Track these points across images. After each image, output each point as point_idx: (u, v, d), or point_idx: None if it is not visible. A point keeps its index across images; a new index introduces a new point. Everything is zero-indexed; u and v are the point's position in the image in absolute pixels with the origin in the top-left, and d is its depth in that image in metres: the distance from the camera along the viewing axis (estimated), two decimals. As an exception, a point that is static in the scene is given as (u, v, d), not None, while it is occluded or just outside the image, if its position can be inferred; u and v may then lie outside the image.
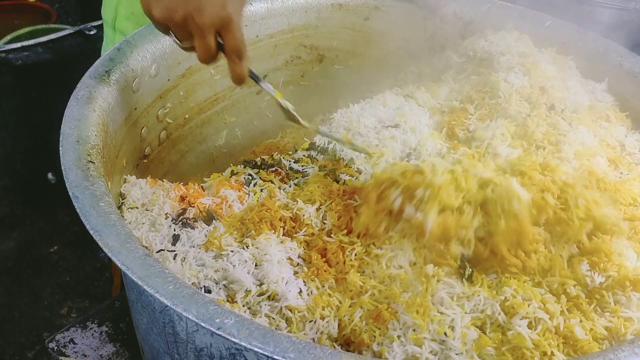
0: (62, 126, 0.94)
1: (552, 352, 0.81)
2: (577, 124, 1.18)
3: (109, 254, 0.74)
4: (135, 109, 1.20)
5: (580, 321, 0.84)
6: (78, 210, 0.79)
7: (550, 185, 0.94)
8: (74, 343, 1.32)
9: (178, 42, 0.98)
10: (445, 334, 0.86)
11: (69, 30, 2.80)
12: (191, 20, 0.91)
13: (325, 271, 0.94)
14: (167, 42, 1.29)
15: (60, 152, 0.89)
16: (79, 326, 1.35)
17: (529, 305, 0.84)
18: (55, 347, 1.31)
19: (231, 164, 1.29)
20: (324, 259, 0.96)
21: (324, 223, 1.03)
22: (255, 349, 0.67)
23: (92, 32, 2.66)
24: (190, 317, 0.69)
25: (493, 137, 1.15)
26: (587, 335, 0.83)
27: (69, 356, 1.30)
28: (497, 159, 1.10)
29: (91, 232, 0.76)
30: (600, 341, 0.84)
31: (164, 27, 0.96)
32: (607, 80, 1.34)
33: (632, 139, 1.20)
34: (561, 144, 1.12)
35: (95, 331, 1.35)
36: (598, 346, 0.83)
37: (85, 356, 1.30)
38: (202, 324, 0.68)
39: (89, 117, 0.98)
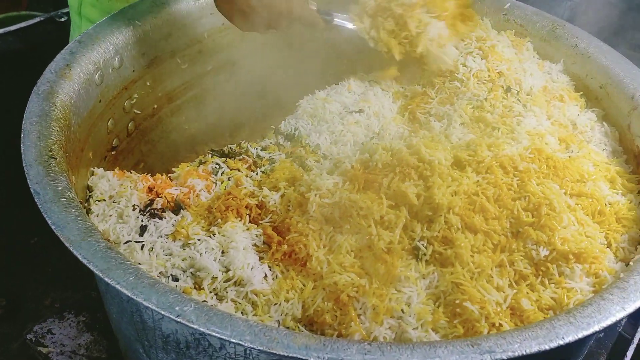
0: (23, 123, 0.96)
1: (500, 324, 0.86)
2: (532, 105, 1.22)
3: (70, 249, 0.76)
4: (100, 101, 1.21)
5: (527, 293, 0.89)
6: (39, 206, 0.81)
7: (492, 161, 0.98)
8: (52, 333, 1.36)
9: None
10: (402, 310, 0.90)
11: (40, 17, 2.76)
12: None
13: (278, 243, 0.98)
14: (130, 34, 1.30)
15: (22, 148, 0.91)
16: (56, 317, 1.39)
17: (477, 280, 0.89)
18: (34, 338, 1.34)
19: (199, 153, 1.32)
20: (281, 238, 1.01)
21: (288, 209, 1.06)
22: (213, 334, 0.70)
23: (63, 19, 2.63)
24: (150, 306, 0.72)
25: (451, 121, 1.19)
26: (533, 306, 0.88)
27: (47, 346, 1.34)
28: (453, 141, 1.14)
29: (52, 227, 0.79)
30: (545, 311, 0.89)
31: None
32: (562, 61, 1.38)
33: (584, 117, 1.25)
34: (515, 125, 1.16)
35: (72, 321, 1.38)
36: (543, 315, 0.88)
37: (63, 345, 1.34)
38: (162, 312, 0.71)
39: (50, 113, 1.00)
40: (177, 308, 0.71)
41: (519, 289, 0.90)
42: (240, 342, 0.69)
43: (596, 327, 0.76)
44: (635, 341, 1.31)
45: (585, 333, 0.75)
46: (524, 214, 0.96)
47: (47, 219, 0.79)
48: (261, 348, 0.69)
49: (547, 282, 0.92)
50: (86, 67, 1.16)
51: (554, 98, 1.26)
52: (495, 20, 1.44)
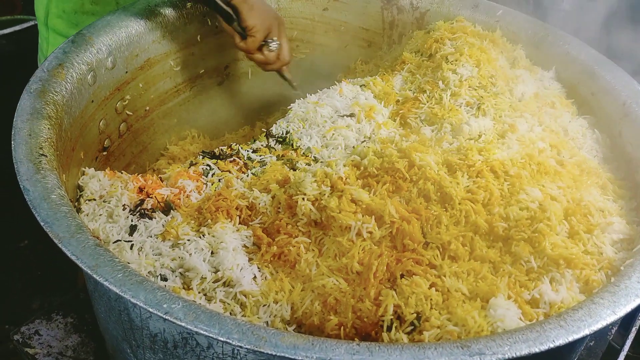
0: (14, 120, 0.95)
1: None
2: (523, 111, 1.22)
3: (59, 245, 0.76)
4: (92, 101, 1.20)
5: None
6: (29, 203, 0.81)
7: (483, 165, 0.99)
8: (39, 334, 1.34)
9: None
10: (390, 321, 0.89)
11: (34, 21, 2.75)
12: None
13: (267, 244, 0.98)
14: (123, 35, 1.30)
15: (12, 145, 0.90)
16: (44, 318, 1.37)
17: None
18: (20, 339, 1.32)
19: (190, 155, 1.31)
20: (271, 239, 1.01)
21: (278, 210, 1.06)
22: (201, 332, 0.70)
23: (56, 24, 2.63)
24: (138, 303, 0.71)
25: (441, 127, 1.20)
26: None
27: (34, 347, 1.32)
28: (443, 146, 1.14)
29: (42, 223, 0.78)
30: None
31: (267, 31, 1.42)
32: (554, 68, 1.39)
33: (575, 124, 1.25)
34: (506, 132, 1.16)
35: (60, 322, 1.37)
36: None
37: (50, 347, 1.32)
38: (150, 309, 0.71)
39: (41, 111, 0.99)
40: (165, 305, 0.71)
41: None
42: (228, 341, 0.69)
43: (587, 331, 0.76)
44: (625, 350, 1.32)
45: (576, 336, 0.75)
46: (516, 222, 0.96)
47: (36, 215, 0.79)
48: (249, 347, 0.68)
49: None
50: (79, 67, 1.15)
51: (545, 105, 1.27)
52: (488, 27, 1.45)
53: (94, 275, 0.73)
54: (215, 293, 0.94)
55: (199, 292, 0.94)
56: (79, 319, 1.36)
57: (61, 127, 1.03)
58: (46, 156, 0.91)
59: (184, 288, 0.95)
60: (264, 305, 0.93)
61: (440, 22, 1.48)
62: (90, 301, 1.36)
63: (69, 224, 0.80)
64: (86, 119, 1.18)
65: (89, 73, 1.18)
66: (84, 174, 1.13)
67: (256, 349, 0.69)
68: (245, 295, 0.94)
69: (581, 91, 1.34)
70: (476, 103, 1.24)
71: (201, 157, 1.25)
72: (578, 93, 1.35)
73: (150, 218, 1.05)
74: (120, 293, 0.72)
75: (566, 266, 0.93)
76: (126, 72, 1.33)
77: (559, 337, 0.74)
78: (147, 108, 1.45)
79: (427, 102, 1.28)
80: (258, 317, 0.92)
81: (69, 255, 0.75)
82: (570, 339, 0.74)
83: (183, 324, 0.70)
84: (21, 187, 0.84)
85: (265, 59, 1.43)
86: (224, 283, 0.95)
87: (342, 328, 0.89)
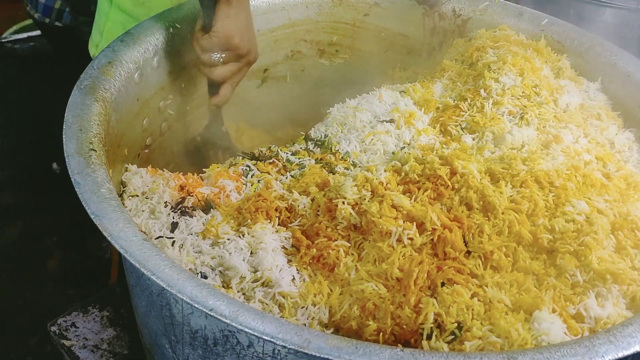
0: (65, 115, 0.98)
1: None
2: (567, 122, 1.20)
3: (109, 238, 0.77)
4: (137, 100, 1.23)
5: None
6: (79, 196, 0.82)
7: (527, 175, 0.97)
8: (76, 327, 1.37)
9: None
10: (430, 329, 0.88)
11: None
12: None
13: (307, 246, 0.98)
14: (170, 36, 1.32)
15: (63, 139, 0.92)
16: (81, 311, 1.40)
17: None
18: (57, 331, 1.35)
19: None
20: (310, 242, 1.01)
21: (317, 213, 1.06)
22: (246, 330, 0.70)
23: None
24: (184, 298, 0.72)
25: (483, 135, 1.18)
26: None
27: (70, 339, 1.35)
28: (485, 155, 1.13)
29: (92, 216, 0.80)
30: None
31: (225, 46, 1.25)
32: (600, 79, 1.37)
33: (622, 137, 1.23)
34: (550, 142, 1.14)
35: (96, 316, 1.39)
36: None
37: (86, 339, 1.35)
38: (196, 305, 0.71)
39: (91, 107, 1.02)
40: (210, 302, 0.71)
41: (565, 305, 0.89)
42: (273, 340, 0.69)
43: (637, 347, 0.74)
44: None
45: (626, 352, 0.73)
46: (562, 235, 0.95)
47: (86, 208, 0.80)
48: (293, 347, 0.68)
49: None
50: (127, 65, 1.18)
51: (590, 116, 1.25)
52: (532, 36, 1.43)
53: (142, 269, 0.74)
54: (254, 293, 0.94)
55: (238, 292, 0.95)
56: (115, 313, 1.39)
57: (109, 123, 1.06)
58: (96, 151, 0.93)
59: (223, 287, 0.96)
60: (302, 307, 0.93)
61: (482, 30, 1.47)
62: (127, 295, 1.39)
63: (117, 217, 0.81)
64: (131, 116, 1.21)
65: (136, 72, 1.21)
66: (127, 170, 1.15)
67: (300, 349, 0.69)
68: (283, 297, 0.94)
69: (627, 103, 1.32)
70: (519, 112, 1.23)
71: (240, 157, 1.26)
72: (624, 105, 1.32)
73: (191, 216, 1.06)
74: (167, 288, 0.73)
75: (613, 281, 0.91)
76: (170, 72, 1.35)
77: (609, 353, 0.72)
78: (188, 108, 1.48)
79: (469, 110, 1.27)
80: (296, 319, 0.92)
81: (117, 248, 0.76)
82: (620, 354, 0.73)
83: (228, 321, 0.70)
84: (72, 180, 0.86)
85: (203, 60, 1.24)
86: (263, 283, 0.95)
87: (380, 334, 0.88)
